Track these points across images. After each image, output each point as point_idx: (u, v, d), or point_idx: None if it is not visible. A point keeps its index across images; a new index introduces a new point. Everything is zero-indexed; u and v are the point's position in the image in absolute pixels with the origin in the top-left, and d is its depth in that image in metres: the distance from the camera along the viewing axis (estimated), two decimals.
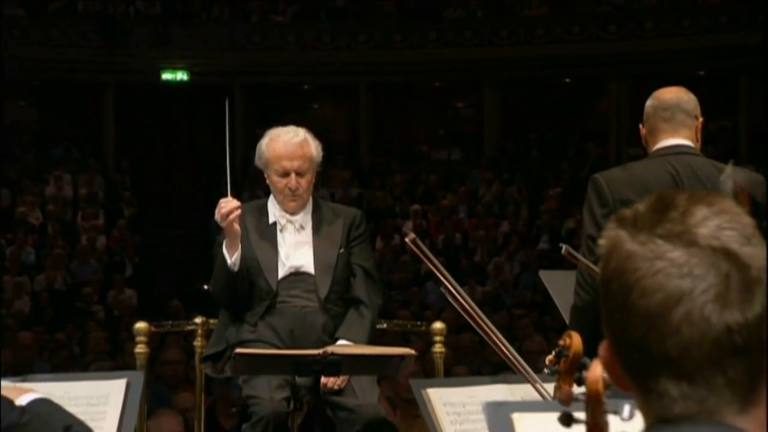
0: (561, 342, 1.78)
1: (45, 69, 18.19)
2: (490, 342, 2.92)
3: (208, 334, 4.52)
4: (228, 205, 3.96)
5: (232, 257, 4.03)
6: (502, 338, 2.95)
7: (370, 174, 18.36)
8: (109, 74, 18.84)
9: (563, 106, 19.61)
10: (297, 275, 4.14)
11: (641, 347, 1.21)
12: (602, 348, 1.27)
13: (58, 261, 14.76)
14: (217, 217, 4.00)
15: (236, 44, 19.20)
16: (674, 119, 3.73)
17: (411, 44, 19.24)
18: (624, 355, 1.24)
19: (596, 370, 1.34)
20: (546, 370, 1.96)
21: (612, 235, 1.26)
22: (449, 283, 2.98)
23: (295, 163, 4.10)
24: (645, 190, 3.58)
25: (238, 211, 3.97)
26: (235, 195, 4.05)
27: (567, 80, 19.72)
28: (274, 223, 4.20)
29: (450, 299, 2.93)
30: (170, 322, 5.56)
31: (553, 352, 1.80)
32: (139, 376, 3.22)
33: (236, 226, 3.99)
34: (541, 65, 18.76)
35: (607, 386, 1.33)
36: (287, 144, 4.12)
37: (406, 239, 3.15)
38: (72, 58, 18.38)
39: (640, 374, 1.23)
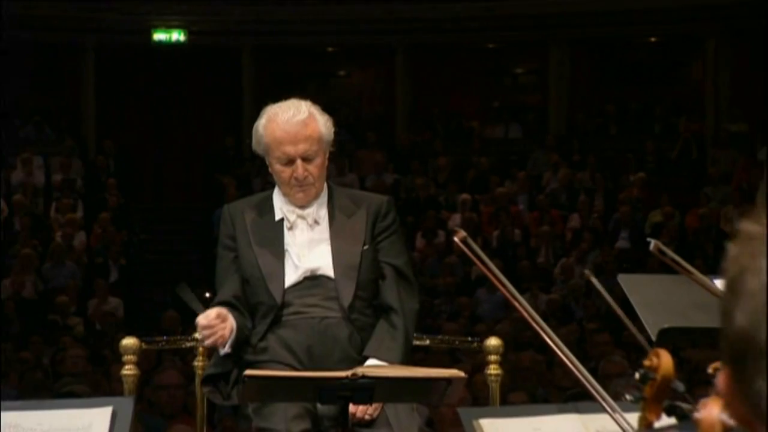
0: (646, 362, 1.78)
1: (11, 27, 18.30)
2: (562, 362, 2.90)
3: (210, 353, 4.53)
4: (204, 331, 3.99)
5: (225, 346, 4.07)
6: (572, 357, 2.94)
7: (409, 156, 18.36)
8: (90, 34, 18.93)
9: (648, 71, 19.49)
10: (313, 280, 4.16)
11: None
12: (721, 376, 1.27)
13: (27, 263, 14.85)
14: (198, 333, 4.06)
15: None
16: None
17: None
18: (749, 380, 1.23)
19: (712, 410, 1.32)
20: (628, 397, 1.96)
21: (741, 228, 1.29)
22: (507, 291, 2.97)
23: (300, 147, 4.11)
24: None
25: (221, 339, 4.00)
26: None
27: (652, 39, 19.61)
28: (281, 220, 4.21)
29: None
30: (165, 337, 5.59)
31: (638, 375, 1.80)
32: (127, 404, 3.24)
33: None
34: (621, 21, 18.65)
35: (726, 431, 1.32)
36: (288, 124, 4.11)
37: (455, 238, 3.15)
38: (44, 14, 18.49)
39: None
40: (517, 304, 2.94)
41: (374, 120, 19.66)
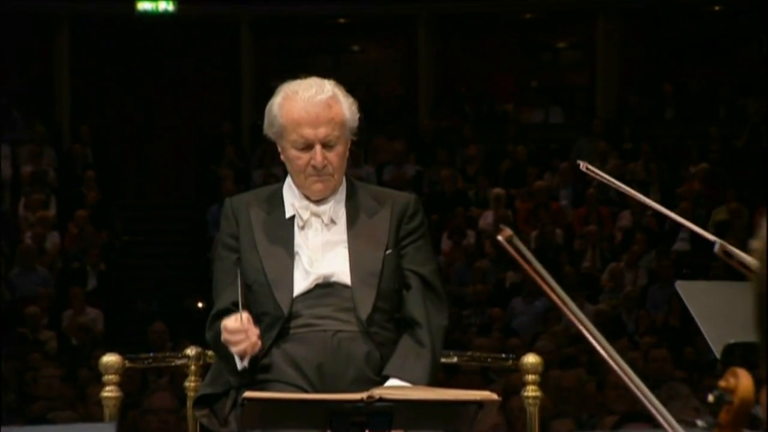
0: (722, 383, 1.75)
1: None
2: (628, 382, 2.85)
3: (204, 372, 4.53)
4: (234, 336, 3.98)
5: (243, 360, 4.06)
6: (632, 374, 2.88)
7: (433, 144, 18.38)
8: (63, 2, 18.99)
9: (711, 45, 19.48)
10: (327, 288, 4.16)
11: None
12: (765, 392, 1.25)
13: None
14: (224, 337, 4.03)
15: None
16: None
17: None
18: None
19: None
20: (699, 423, 1.93)
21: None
22: (561, 300, 2.92)
23: (321, 131, 4.12)
24: None
25: (253, 346, 3.99)
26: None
27: (716, 8, 19.59)
28: (292, 218, 4.23)
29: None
30: (151, 354, 5.59)
31: (711, 398, 1.78)
32: (108, 430, 3.23)
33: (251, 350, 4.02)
34: None
35: None
36: (309, 104, 4.13)
37: (499, 237, 3.09)
38: None
39: None
40: (570, 315, 2.89)
41: (393, 103, 19.68)
